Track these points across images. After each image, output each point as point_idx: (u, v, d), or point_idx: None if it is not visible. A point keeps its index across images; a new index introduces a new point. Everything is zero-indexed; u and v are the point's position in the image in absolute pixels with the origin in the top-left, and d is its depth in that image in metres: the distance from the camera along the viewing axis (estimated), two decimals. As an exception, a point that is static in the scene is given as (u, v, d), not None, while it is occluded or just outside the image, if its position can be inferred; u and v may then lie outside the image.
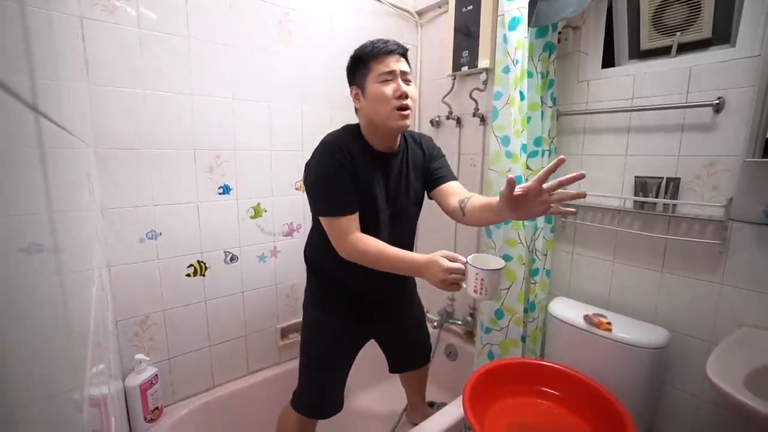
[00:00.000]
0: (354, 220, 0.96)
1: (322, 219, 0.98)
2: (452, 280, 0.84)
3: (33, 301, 0.30)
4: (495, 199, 0.87)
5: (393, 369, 1.40)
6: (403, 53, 0.98)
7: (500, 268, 0.83)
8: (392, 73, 0.94)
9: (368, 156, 1.00)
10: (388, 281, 1.09)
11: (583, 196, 0.80)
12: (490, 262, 0.85)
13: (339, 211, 0.95)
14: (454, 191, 1.07)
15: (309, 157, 1.01)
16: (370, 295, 1.14)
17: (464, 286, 0.86)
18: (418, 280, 1.19)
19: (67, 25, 0.74)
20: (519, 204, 0.80)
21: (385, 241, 1.02)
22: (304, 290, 1.20)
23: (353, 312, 1.13)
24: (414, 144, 1.11)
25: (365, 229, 0.99)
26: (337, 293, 1.12)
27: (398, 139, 1.05)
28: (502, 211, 0.83)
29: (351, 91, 1.01)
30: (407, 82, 0.96)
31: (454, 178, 1.13)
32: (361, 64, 0.96)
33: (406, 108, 0.94)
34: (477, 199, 0.98)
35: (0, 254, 0.24)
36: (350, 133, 1.02)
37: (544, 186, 0.76)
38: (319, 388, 1.14)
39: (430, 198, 1.15)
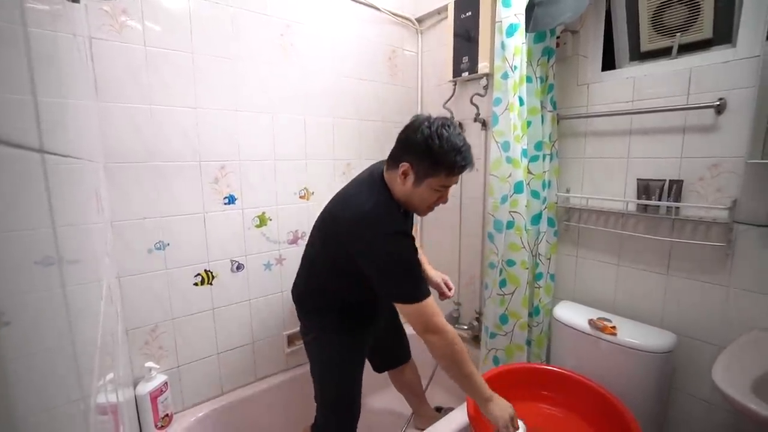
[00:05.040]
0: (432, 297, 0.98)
1: (411, 305, 0.93)
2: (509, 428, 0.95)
3: (45, 311, 0.32)
4: (422, 261, 1.23)
5: (378, 367, 1.44)
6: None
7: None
8: (450, 186, 0.98)
9: (407, 224, 1.06)
10: None
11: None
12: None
13: (428, 292, 0.96)
14: None
15: (366, 240, 0.95)
16: (378, 311, 1.18)
17: None
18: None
19: (75, 46, 0.78)
20: None
21: None
22: (308, 326, 1.18)
23: (364, 330, 1.17)
24: None
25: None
26: (350, 318, 1.13)
27: None
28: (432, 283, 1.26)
29: (400, 166, 0.94)
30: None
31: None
32: (432, 163, 0.92)
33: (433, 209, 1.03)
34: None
35: (19, 266, 0.26)
36: (397, 210, 1.00)
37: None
38: (349, 413, 1.17)
39: None
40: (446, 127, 0.92)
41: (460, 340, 0.96)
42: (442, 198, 1.00)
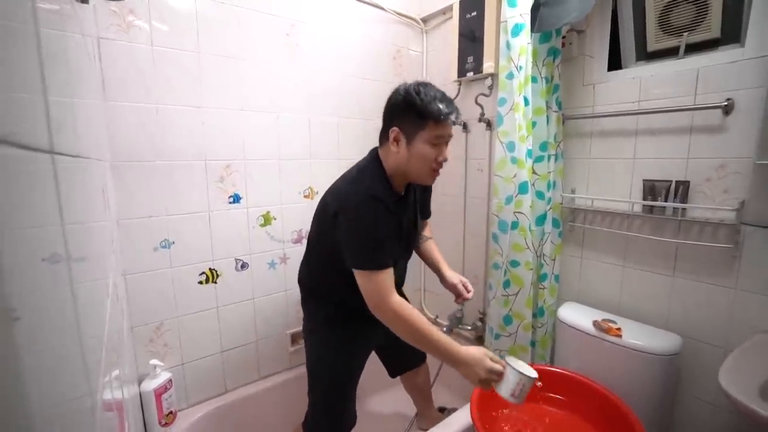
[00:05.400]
0: (392, 273, 0.95)
1: (359, 272, 0.93)
2: (491, 380, 0.89)
3: (53, 307, 0.32)
4: (437, 261, 1.26)
5: (393, 372, 1.42)
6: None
7: (537, 377, 0.89)
8: (444, 138, 0.96)
9: (396, 203, 1.01)
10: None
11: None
12: (522, 366, 0.91)
13: (384, 264, 0.92)
14: (424, 226, 1.25)
15: (339, 203, 0.96)
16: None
17: (495, 387, 0.91)
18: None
19: (83, 46, 0.78)
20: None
21: (403, 271, 1.13)
22: (308, 316, 1.19)
23: (363, 325, 1.13)
24: None
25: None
26: (349, 319, 1.13)
27: None
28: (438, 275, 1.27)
29: (390, 132, 0.96)
30: (447, 144, 0.98)
31: (429, 215, 1.28)
32: (418, 116, 0.92)
33: (438, 171, 0.99)
34: (429, 247, 1.28)
35: (28, 262, 0.26)
36: (381, 181, 0.99)
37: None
38: (341, 410, 1.14)
39: None
40: (422, 85, 0.95)
41: (409, 313, 0.91)
42: (441, 154, 0.96)
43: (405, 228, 1.07)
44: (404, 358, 1.39)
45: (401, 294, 1.29)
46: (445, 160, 0.98)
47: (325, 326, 1.14)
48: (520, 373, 0.87)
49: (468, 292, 1.21)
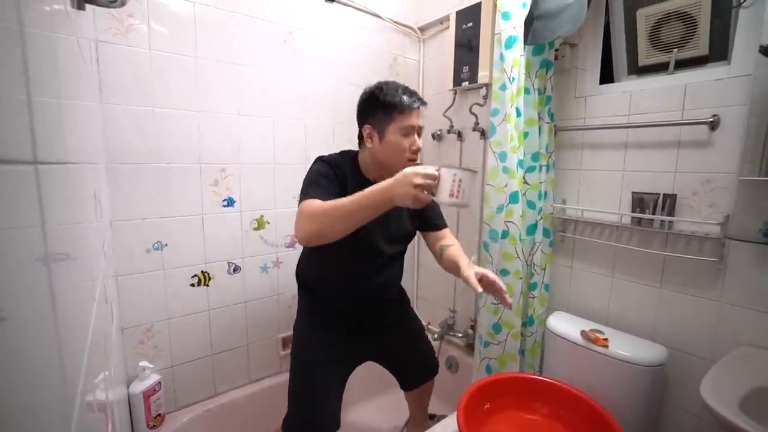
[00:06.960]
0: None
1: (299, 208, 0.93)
2: (426, 186, 0.79)
3: (36, 309, 0.33)
4: (462, 261, 1.03)
5: (404, 386, 1.40)
6: (423, 107, 1.03)
7: (477, 171, 0.85)
8: (413, 128, 1.00)
9: (360, 181, 1.04)
10: (376, 297, 1.15)
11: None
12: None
13: (315, 193, 0.93)
14: (443, 237, 1.18)
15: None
16: (359, 311, 1.17)
17: (434, 196, 0.82)
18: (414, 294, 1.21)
19: (79, 50, 0.79)
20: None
21: (372, 270, 1.11)
22: (297, 311, 1.22)
23: (342, 328, 1.15)
24: None
25: (353, 257, 1.06)
26: (326, 310, 1.15)
27: None
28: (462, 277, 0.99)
29: (363, 129, 1.03)
30: (419, 135, 1.03)
31: (446, 225, 1.21)
32: (384, 110, 0.99)
33: (415, 160, 1.02)
34: (453, 251, 1.09)
35: (14, 263, 0.27)
36: (346, 157, 1.08)
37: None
38: (310, 408, 1.12)
39: (414, 234, 1.21)
40: (385, 83, 1.02)
41: (317, 203, 0.87)
42: (413, 144, 1.00)
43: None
44: (415, 373, 1.38)
45: (399, 294, 1.30)
46: (419, 149, 1.02)
47: (299, 319, 1.19)
48: (453, 169, 0.80)
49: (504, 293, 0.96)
